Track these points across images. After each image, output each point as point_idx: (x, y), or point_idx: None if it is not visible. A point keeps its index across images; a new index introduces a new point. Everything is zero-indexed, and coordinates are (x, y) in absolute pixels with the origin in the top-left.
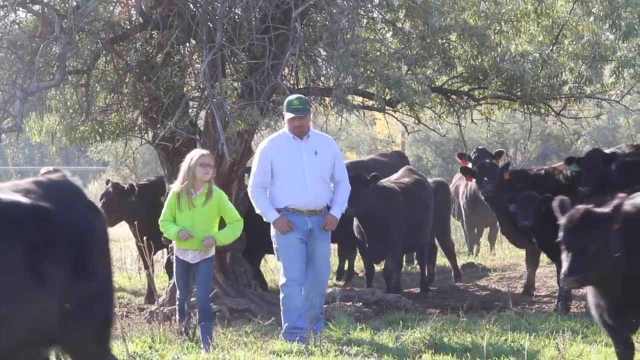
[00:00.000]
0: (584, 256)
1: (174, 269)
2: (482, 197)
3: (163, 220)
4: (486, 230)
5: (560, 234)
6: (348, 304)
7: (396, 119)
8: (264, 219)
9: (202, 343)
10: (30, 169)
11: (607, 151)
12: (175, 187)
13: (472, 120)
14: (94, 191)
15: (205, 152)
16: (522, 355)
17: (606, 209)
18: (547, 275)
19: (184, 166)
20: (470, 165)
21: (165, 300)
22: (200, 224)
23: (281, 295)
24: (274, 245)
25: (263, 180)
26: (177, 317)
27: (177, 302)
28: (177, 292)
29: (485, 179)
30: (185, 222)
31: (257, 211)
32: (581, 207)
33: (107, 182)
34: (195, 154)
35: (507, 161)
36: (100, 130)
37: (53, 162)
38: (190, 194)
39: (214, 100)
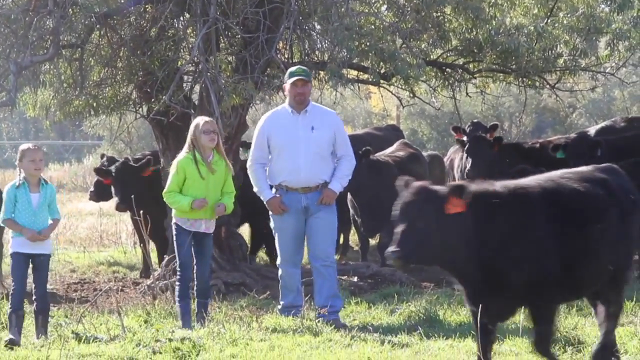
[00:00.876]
0: (412, 233)
1: (176, 242)
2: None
3: (169, 191)
4: None
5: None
6: (343, 277)
7: (391, 92)
8: (260, 197)
9: (197, 318)
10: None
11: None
12: (180, 156)
13: (467, 93)
14: (89, 165)
15: (208, 118)
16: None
17: (444, 189)
18: None
19: (189, 135)
20: (465, 138)
21: (160, 275)
22: (214, 192)
23: (279, 273)
24: (271, 222)
25: (260, 156)
26: (179, 292)
27: (177, 276)
28: (178, 264)
29: (470, 164)
30: (199, 190)
31: (254, 189)
32: (418, 183)
33: (102, 156)
34: (198, 122)
35: (498, 136)
36: (95, 104)
37: (48, 137)
38: (205, 161)
39: (209, 74)
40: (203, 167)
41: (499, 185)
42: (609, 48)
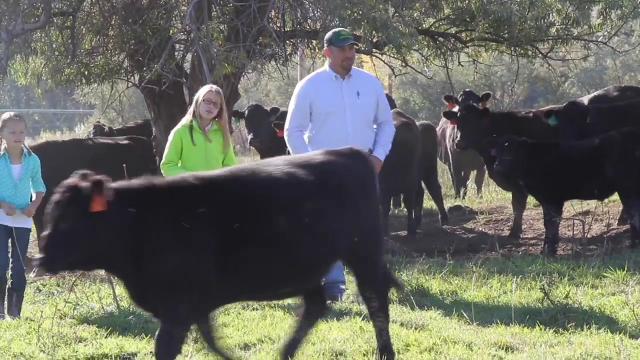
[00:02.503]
0: (57, 237)
1: None
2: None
3: (167, 162)
4: (473, 173)
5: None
6: None
7: (383, 61)
8: None
9: None
10: (17, 111)
11: (593, 94)
12: (182, 122)
13: (459, 62)
14: (81, 134)
15: (214, 88)
16: (508, 298)
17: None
18: (534, 218)
19: (193, 101)
20: (457, 108)
21: None
22: (213, 162)
23: None
24: None
25: (301, 123)
26: None
27: None
28: None
29: (459, 136)
30: (198, 159)
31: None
32: (68, 181)
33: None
34: (203, 89)
35: (487, 107)
36: (86, 72)
37: (39, 105)
38: (202, 130)
39: (200, 43)
40: (198, 134)
41: (160, 180)
42: (601, 17)
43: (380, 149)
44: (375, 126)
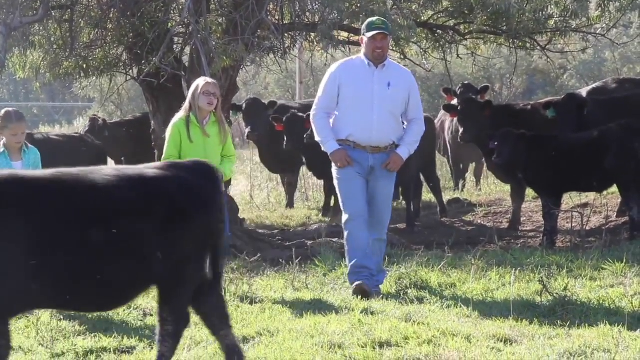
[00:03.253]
0: None
1: None
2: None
3: (167, 157)
4: (472, 166)
5: None
6: (334, 239)
7: None
8: (322, 148)
9: None
10: (15, 105)
11: (591, 86)
12: (178, 116)
13: (458, 55)
14: (80, 127)
15: (210, 80)
16: (507, 290)
17: None
18: (533, 210)
19: (189, 95)
20: (455, 100)
21: None
22: (213, 156)
23: (345, 233)
24: (334, 179)
25: (327, 106)
26: None
27: None
28: None
29: (461, 130)
30: (197, 154)
31: (317, 138)
32: None
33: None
34: (199, 82)
35: (488, 99)
36: (85, 66)
37: (38, 99)
38: (200, 124)
39: (199, 36)
40: (196, 129)
41: None
42: (600, 9)
43: (405, 148)
44: (405, 123)
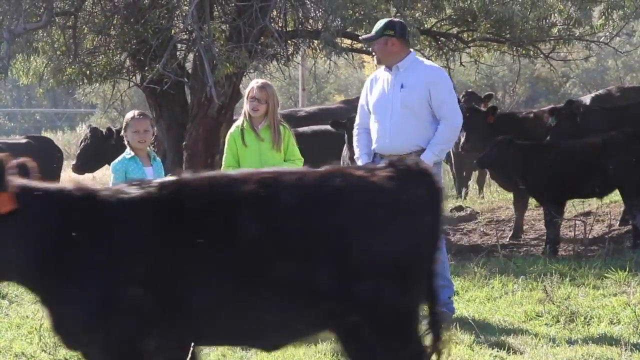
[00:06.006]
0: None
1: None
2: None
3: (226, 167)
4: (475, 174)
5: None
6: None
7: None
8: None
9: None
10: (18, 111)
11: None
12: (235, 124)
13: (461, 63)
14: (82, 134)
15: (259, 82)
16: (510, 298)
17: None
18: (536, 219)
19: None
20: None
21: None
22: (268, 160)
23: None
24: None
25: (362, 121)
26: None
27: None
28: None
29: (464, 136)
30: (252, 160)
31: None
32: None
33: (89, 127)
34: (249, 87)
35: (492, 105)
36: (88, 72)
37: (41, 105)
38: (255, 128)
39: (202, 42)
40: (249, 134)
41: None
42: (603, 17)
43: (429, 151)
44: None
